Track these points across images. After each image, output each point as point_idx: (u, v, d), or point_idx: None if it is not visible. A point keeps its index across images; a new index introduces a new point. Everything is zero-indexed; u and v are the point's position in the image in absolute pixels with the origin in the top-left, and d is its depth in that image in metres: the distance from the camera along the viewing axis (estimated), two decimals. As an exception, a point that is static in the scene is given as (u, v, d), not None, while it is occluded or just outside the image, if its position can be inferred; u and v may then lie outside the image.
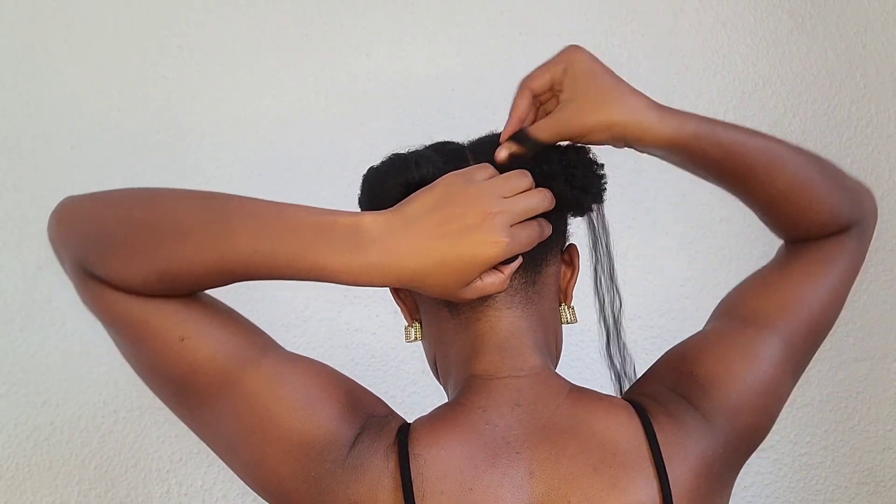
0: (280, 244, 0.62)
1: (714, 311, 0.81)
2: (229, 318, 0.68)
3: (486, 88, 1.36)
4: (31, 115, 1.29)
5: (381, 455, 0.64)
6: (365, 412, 0.67)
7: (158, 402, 1.27)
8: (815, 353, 0.80)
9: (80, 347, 1.27)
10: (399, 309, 0.77)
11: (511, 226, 0.64)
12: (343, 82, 1.38)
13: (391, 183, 0.70)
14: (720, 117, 1.65)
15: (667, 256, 1.44)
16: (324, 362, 0.69)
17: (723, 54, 1.48)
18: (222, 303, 0.69)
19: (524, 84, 0.72)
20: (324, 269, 0.62)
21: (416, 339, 0.77)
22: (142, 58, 1.32)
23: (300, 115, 1.36)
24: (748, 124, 1.60)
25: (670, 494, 0.65)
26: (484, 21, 1.42)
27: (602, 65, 0.70)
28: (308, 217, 0.63)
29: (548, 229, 0.69)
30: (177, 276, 0.63)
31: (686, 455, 0.67)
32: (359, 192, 0.74)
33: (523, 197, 0.65)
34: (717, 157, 0.73)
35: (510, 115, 0.72)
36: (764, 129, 1.60)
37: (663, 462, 0.66)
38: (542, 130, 0.70)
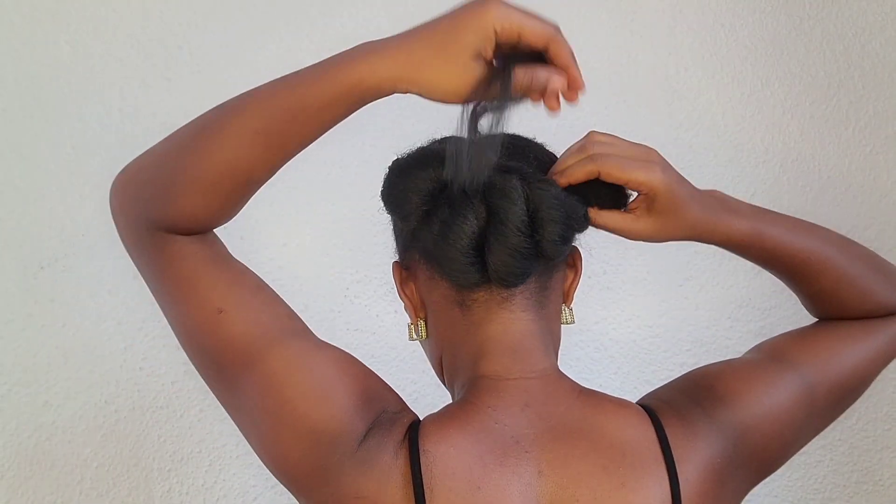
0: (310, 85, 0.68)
1: (746, 352, 0.83)
2: (270, 298, 0.71)
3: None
4: (31, 115, 1.29)
5: (391, 451, 0.65)
6: (379, 406, 0.68)
7: (160, 402, 1.29)
8: (836, 416, 0.83)
9: (81, 347, 1.27)
10: (404, 305, 0.77)
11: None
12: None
13: (420, 176, 0.69)
14: (720, 119, 1.64)
15: (667, 256, 1.44)
16: (350, 353, 0.71)
17: (722, 54, 1.48)
18: (268, 285, 0.71)
19: (592, 160, 0.69)
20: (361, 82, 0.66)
21: (419, 336, 0.76)
22: (142, 58, 1.32)
23: (300, 116, 1.36)
24: (746, 125, 1.60)
25: (679, 495, 0.65)
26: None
27: (680, 190, 0.70)
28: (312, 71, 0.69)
29: None
30: (232, 176, 0.65)
31: (697, 458, 0.68)
32: (382, 185, 0.73)
33: None
34: (763, 257, 0.77)
35: (567, 172, 0.70)
36: (762, 130, 1.59)
37: (674, 463, 0.66)
38: (614, 220, 0.71)
